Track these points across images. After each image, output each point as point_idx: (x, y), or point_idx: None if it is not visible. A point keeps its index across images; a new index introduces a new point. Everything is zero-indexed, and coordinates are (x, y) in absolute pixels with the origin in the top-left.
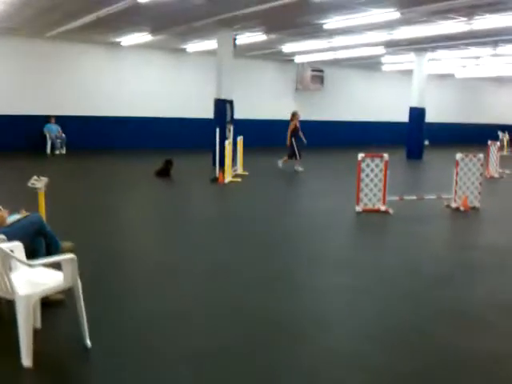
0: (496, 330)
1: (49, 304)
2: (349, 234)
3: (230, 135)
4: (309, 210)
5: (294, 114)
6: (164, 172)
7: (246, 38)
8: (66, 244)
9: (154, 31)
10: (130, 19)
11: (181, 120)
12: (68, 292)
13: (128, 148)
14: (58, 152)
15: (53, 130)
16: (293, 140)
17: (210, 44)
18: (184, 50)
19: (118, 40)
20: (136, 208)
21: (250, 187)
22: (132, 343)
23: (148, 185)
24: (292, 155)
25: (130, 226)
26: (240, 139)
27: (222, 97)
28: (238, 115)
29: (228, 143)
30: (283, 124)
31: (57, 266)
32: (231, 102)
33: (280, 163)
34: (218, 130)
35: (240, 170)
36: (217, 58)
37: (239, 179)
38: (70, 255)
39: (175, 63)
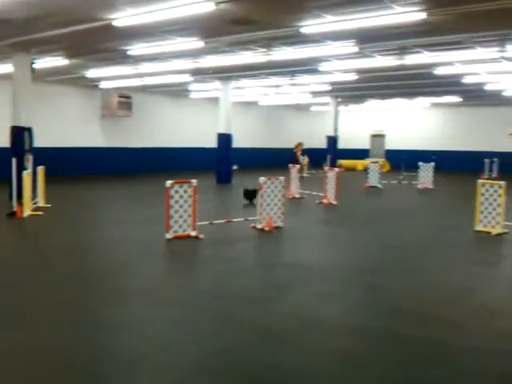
0: (299, 346)
1: None
2: (158, 262)
3: (30, 165)
4: (117, 240)
5: None
6: None
7: (45, 62)
8: None
9: None
10: None
11: None
12: None
13: None
14: None
15: None
16: None
17: (6, 68)
18: None
19: None
20: None
21: (52, 220)
22: None
23: None
24: None
25: None
26: (41, 169)
27: (20, 124)
28: (40, 143)
29: (27, 174)
30: (89, 152)
31: None
32: (30, 130)
33: None
34: (14, 159)
35: (41, 202)
36: (13, 82)
37: (40, 212)
38: None
39: None
